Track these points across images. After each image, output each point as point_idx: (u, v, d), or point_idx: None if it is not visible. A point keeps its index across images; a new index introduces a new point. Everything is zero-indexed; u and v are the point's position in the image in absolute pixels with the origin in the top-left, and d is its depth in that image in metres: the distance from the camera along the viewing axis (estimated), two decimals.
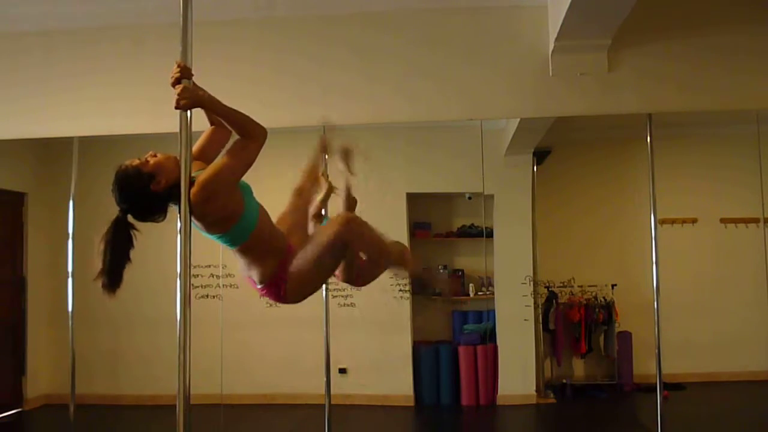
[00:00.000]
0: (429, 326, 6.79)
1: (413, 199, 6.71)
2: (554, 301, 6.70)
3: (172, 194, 2.03)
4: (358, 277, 2.50)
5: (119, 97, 4.25)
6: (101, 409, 6.12)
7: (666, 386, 4.30)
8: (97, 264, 1.97)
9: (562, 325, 6.68)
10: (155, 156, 2.07)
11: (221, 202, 2.07)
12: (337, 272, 2.47)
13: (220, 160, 2.06)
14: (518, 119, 5.24)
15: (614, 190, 6.90)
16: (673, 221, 6.68)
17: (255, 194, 2.28)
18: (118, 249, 2.00)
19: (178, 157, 1.94)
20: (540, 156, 6.54)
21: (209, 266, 5.85)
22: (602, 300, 6.68)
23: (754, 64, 3.97)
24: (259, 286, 2.32)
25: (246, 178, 2.22)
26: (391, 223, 6.37)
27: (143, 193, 2.03)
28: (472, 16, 4.09)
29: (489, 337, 6.46)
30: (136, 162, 2.05)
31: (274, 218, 2.38)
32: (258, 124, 2.11)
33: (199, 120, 2.16)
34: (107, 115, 4.27)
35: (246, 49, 4.21)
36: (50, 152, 6.28)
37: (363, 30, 4.19)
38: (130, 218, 2.04)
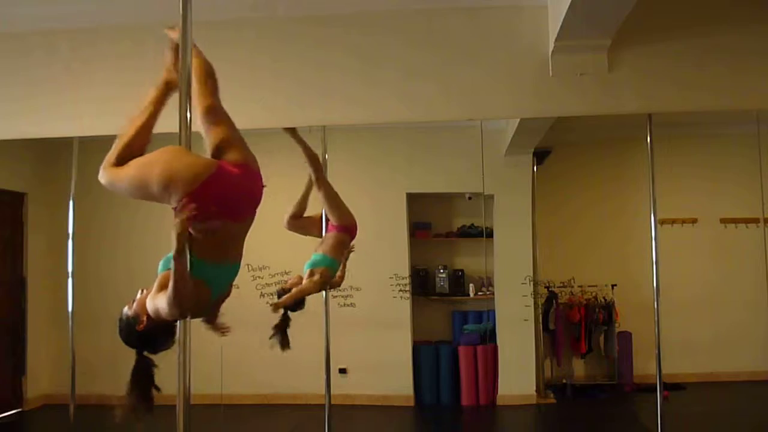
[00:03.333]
0: (429, 326, 6.79)
1: (413, 199, 6.71)
2: (554, 301, 6.70)
3: (161, 327, 2.04)
4: None
5: (119, 97, 4.22)
6: (101, 409, 6.10)
7: (666, 386, 4.29)
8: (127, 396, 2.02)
9: (562, 325, 6.68)
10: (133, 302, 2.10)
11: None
12: None
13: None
14: (518, 119, 5.24)
15: (614, 190, 6.90)
16: (673, 221, 6.68)
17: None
18: (144, 383, 2.04)
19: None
20: (540, 156, 6.54)
21: None
22: (602, 300, 6.69)
23: (755, 64, 3.96)
24: None
25: None
26: (391, 223, 6.43)
27: (138, 336, 2.06)
28: (471, 16, 4.08)
29: (489, 337, 6.46)
30: (127, 310, 2.10)
31: None
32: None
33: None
34: (107, 115, 4.25)
35: (245, 50, 4.21)
36: (50, 152, 6.28)
37: (362, 30, 4.18)
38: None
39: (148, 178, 1.93)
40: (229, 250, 2.10)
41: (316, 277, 3.78)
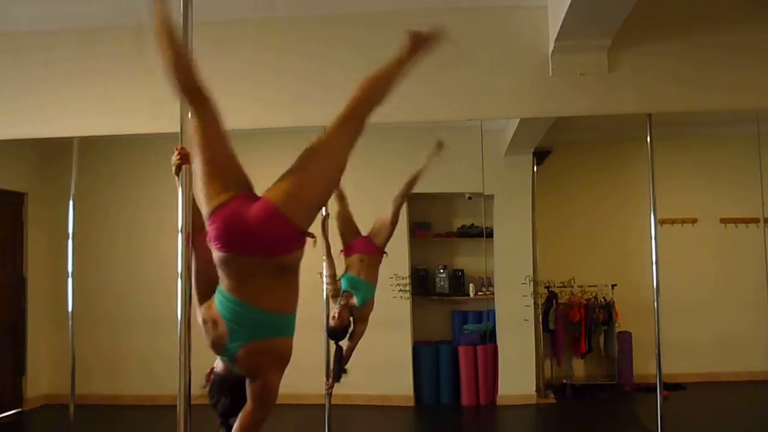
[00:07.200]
0: (429, 326, 6.78)
1: (413, 199, 6.68)
2: (554, 301, 6.70)
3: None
4: None
5: (119, 97, 4.25)
6: (101, 409, 6.12)
7: (666, 386, 4.29)
8: None
9: (562, 325, 6.68)
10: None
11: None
12: None
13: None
14: (518, 119, 5.24)
15: (614, 189, 6.90)
16: (673, 221, 6.68)
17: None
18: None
19: None
20: (540, 156, 6.54)
21: None
22: (602, 300, 6.68)
23: (754, 63, 3.97)
24: None
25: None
26: None
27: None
28: (472, 16, 4.09)
29: (489, 337, 6.46)
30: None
31: None
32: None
33: None
34: (107, 114, 4.27)
35: (247, 50, 4.21)
36: (50, 152, 6.28)
37: (363, 30, 4.19)
38: None
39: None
40: (260, 294, 1.95)
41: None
